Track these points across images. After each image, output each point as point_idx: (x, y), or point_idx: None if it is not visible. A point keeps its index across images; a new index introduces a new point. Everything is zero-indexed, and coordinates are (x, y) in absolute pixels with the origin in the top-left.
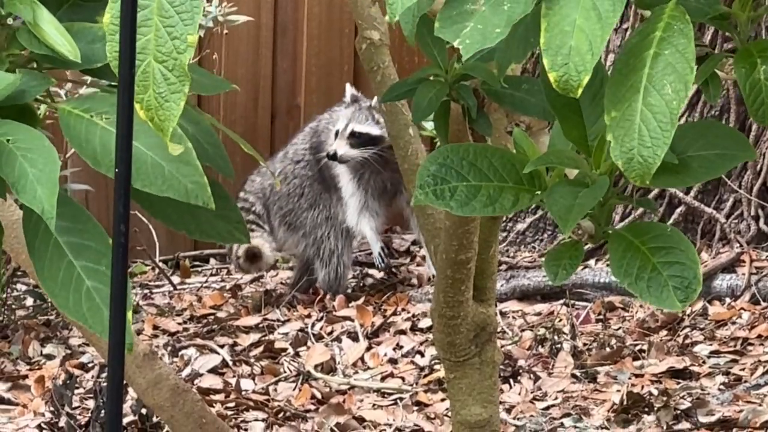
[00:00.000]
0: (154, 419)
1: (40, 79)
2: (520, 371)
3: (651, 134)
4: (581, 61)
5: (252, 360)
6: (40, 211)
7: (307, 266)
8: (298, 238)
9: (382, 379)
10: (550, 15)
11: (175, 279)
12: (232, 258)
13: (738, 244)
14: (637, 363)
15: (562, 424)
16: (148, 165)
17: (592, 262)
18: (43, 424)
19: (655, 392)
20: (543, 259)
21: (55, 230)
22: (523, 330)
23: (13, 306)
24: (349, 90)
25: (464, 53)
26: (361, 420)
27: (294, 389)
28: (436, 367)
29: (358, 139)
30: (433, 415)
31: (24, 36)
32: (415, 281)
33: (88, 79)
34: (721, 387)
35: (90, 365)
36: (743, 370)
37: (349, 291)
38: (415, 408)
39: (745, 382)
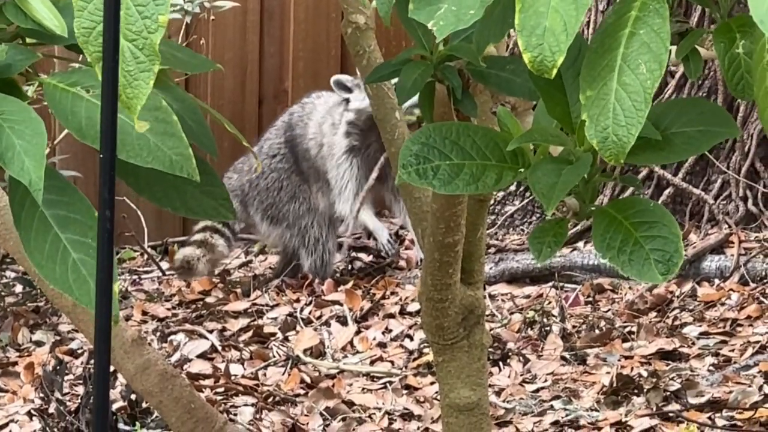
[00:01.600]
0: (143, 405)
1: (26, 53)
2: (510, 354)
3: (625, 113)
4: (556, 41)
5: (241, 345)
6: (27, 183)
7: (291, 256)
8: (282, 230)
9: (372, 362)
10: None
11: (164, 264)
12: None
13: (726, 225)
14: (627, 345)
15: (551, 407)
16: (134, 137)
17: (581, 244)
18: (33, 411)
19: (645, 374)
20: None
21: (41, 203)
22: (512, 313)
23: (2, 293)
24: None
25: (438, 34)
26: (350, 404)
27: (283, 374)
28: (425, 350)
29: None
30: (422, 399)
31: (11, 10)
32: (403, 264)
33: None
34: (711, 368)
35: (79, 351)
36: (732, 351)
37: (338, 275)
38: (405, 391)
39: (735, 363)
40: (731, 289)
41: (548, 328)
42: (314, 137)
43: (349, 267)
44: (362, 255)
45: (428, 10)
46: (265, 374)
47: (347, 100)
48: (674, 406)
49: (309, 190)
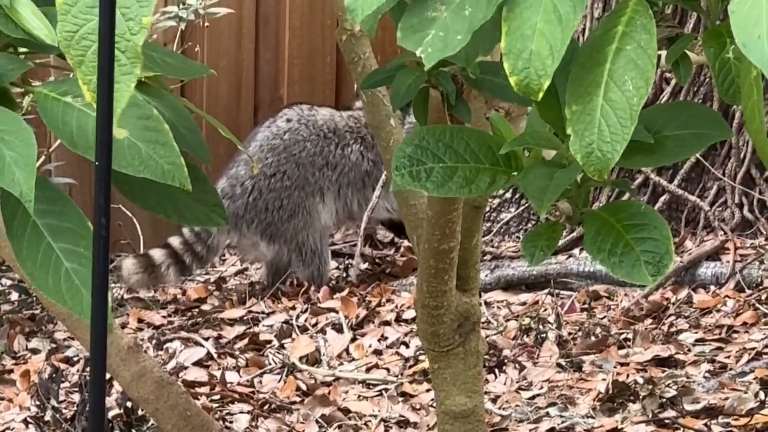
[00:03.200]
0: (139, 412)
1: (17, 63)
2: (505, 361)
3: (611, 129)
4: (542, 65)
5: (237, 352)
6: (18, 194)
7: (277, 269)
8: (279, 247)
9: (367, 370)
10: (511, 18)
11: None
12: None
13: (722, 232)
14: (623, 352)
15: (547, 414)
16: (125, 146)
17: (576, 251)
18: (28, 418)
19: (641, 381)
20: None
21: (33, 213)
22: (507, 320)
23: None
24: None
25: (426, 62)
26: (346, 411)
27: (279, 381)
28: (421, 357)
29: None
30: (418, 406)
31: (1, 20)
32: (398, 271)
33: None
34: (707, 375)
35: (75, 359)
36: (728, 357)
37: (333, 282)
38: (401, 399)
39: (731, 369)
40: (727, 296)
41: (544, 335)
42: (355, 140)
43: (344, 274)
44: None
45: (416, 38)
46: (260, 382)
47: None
48: (670, 413)
49: (312, 204)
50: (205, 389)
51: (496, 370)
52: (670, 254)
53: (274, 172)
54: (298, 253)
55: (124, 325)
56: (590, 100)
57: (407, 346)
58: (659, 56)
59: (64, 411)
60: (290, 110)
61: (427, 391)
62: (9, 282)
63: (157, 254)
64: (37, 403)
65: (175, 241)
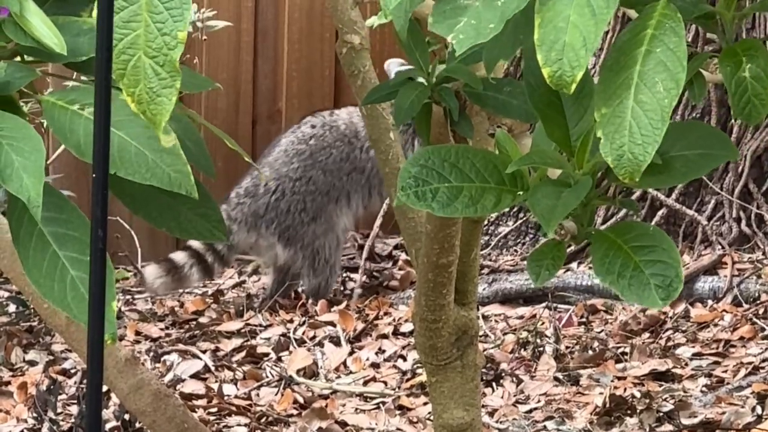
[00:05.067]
0: (137, 424)
1: (25, 71)
2: (503, 375)
3: (642, 132)
4: (575, 56)
5: (234, 365)
6: (26, 200)
7: (287, 276)
8: (294, 251)
9: (365, 383)
10: (544, 11)
11: None
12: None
13: (720, 246)
14: (620, 365)
15: (545, 427)
16: (132, 154)
17: (574, 265)
18: (26, 431)
19: (638, 395)
20: (525, 262)
21: (40, 220)
22: (505, 333)
23: None
24: None
25: (457, 48)
26: (343, 424)
27: (276, 394)
28: (419, 371)
29: None
30: (415, 419)
31: (10, 28)
32: (396, 284)
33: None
34: (704, 389)
35: (73, 371)
36: (726, 372)
37: (331, 296)
38: (398, 412)
39: (728, 384)
40: (724, 310)
41: (541, 349)
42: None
43: (342, 288)
44: (355, 275)
45: (448, 24)
46: (258, 394)
47: None
48: (667, 427)
49: (333, 209)
50: (203, 402)
51: (494, 384)
52: (679, 278)
53: (300, 176)
54: (311, 260)
55: (121, 338)
56: (620, 102)
57: (405, 360)
58: None
59: (61, 423)
60: (313, 117)
61: (425, 404)
62: (6, 294)
63: (179, 256)
64: (35, 415)
65: (195, 242)
